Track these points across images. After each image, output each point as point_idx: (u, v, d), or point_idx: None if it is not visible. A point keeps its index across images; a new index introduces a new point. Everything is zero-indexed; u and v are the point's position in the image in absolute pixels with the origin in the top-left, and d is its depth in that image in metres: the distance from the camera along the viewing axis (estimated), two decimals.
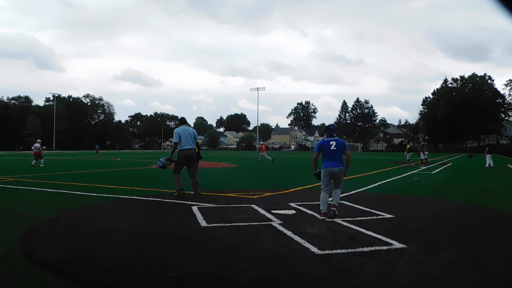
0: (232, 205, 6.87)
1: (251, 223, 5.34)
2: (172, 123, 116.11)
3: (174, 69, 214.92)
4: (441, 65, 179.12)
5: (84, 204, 7.18)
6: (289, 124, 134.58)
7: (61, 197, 8.31)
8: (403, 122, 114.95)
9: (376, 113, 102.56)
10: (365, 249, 4.05)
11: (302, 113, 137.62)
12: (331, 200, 6.07)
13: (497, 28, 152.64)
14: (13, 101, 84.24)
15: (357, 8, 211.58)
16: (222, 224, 5.28)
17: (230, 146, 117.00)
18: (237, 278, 3.24)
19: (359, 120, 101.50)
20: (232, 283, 3.18)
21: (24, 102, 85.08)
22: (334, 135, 6.15)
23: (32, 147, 20.27)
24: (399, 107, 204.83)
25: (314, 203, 7.09)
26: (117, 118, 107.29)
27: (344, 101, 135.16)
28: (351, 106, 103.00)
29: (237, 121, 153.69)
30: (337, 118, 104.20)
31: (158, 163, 8.16)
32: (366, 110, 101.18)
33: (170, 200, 7.47)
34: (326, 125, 6.46)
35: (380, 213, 6.16)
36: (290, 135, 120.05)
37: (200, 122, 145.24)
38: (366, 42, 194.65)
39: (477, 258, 3.80)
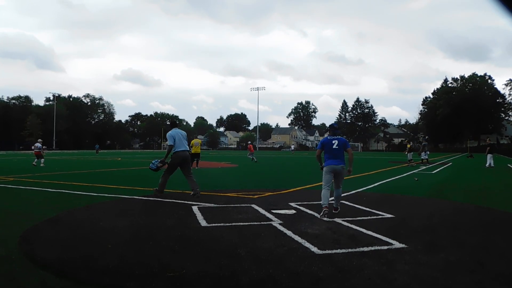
0: (232, 205, 6.87)
1: (251, 223, 5.34)
2: None
3: (174, 69, 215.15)
4: (441, 65, 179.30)
5: (84, 204, 7.18)
6: (289, 124, 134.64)
7: (61, 197, 8.31)
8: (403, 122, 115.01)
9: (376, 113, 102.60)
10: (365, 249, 4.05)
11: (302, 113, 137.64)
12: (332, 200, 6.11)
13: (497, 28, 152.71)
14: (13, 101, 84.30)
15: (357, 8, 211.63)
16: (222, 224, 5.28)
17: (230, 146, 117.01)
18: (237, 278, 3.24)
19: (359, 120, 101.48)
20: (232, 283, 3.18)
21: (24, 102, 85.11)
22: (337, 133, 6.34)
23: (33, 147, 20.31)
24: (399, 107, 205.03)
25: (314, 203, 7.10)
26: (117, 118, 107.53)
27: (344, 101, 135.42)
28: (351, 106, 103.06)
29: (237, 121, 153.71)
30: (337, 118, 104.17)
31: (151, 165, 8.11)
32: (366, 110, 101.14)
33: (170, 200, 7.48)
34: (329, 124, 6.67)
35: (380, 213, 6.16)
36: (290, 135, 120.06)
37: (200, 122, 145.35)
38: (366, 42, 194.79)
39: (477, 258, 3.80)
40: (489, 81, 78.05)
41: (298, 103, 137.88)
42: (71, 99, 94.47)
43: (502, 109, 77.39)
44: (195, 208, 6.45)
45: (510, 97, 74.89)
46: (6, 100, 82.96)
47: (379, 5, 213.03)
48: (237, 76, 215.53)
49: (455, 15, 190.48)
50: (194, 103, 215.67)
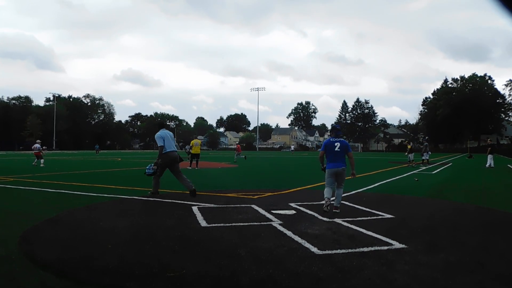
0: (232, 205, 6.87)
1: (251, 223, 5.34)
2: (172, 123, 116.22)
3: (174, 69, 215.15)
4: (441, 66, 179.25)
5: (84, 204, 7.18)
6: (289, 124, 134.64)
7: (61, 197, 8.31)
8: (403, 122, 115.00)
9: (376, 113, 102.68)
10: (365, 249, 4.05)
11: (302, 113, 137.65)
12: (334, 199, 6.20)
13: (497, 29, 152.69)
14: (13, 101, 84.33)
15: (357, 9, 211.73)
16: (222, 224, 5.28)
17: (230, 146, 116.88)
18: (237, 278, 3.24)
19: (359, 120, 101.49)
20: (232, 283, 3.18)
21: (24, 102, 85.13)
22: (340, 134, 6.54)
23: (32, 147, 20.39)
24: (399, 107, 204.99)
25: (314, 203, 7.11)
26: (117, 118, 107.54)
27: (344, 101, 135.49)
28: (351, 106, 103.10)
29: (237, 121, 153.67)
30: (337, 118, 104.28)
31: (147, 171, 8.07)
32: (366, 110, 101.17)
33: (170, 200, 7.48)
34: (330, 124, 6.86)
35: (380, 213, 6.16)
36: (290, 135, 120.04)
37: (200, 122, 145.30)
38: (366, 42, 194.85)
39: (477, 259, 3.80)
40: (489, 81, 78.10)
41: (298, 104, 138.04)
42: (71, 99, 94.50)
43: (502, 109, 77.44)
44: (195, 209, 6.45)
45: (510, 98, 74.98)
46: (6, 101, 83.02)
47: (379, 5, 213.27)
48: (237, 77, 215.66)
49: (455, 15, 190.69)
50: (194, 103, 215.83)
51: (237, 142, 45.20)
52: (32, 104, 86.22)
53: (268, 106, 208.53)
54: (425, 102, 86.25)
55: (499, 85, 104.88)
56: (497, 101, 76.52)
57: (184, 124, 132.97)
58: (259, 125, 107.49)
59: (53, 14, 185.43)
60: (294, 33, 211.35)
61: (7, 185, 10.24)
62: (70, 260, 3.69)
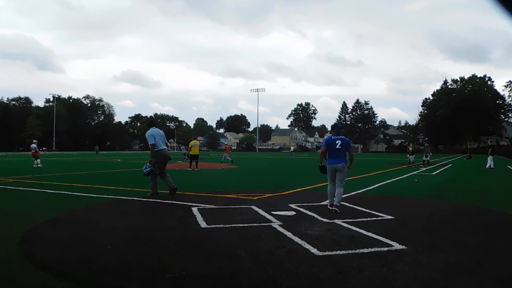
0: (232, 206, 6.87)
1: (251, 224, 5.34)
2: (172, 124, 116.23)
3: (174, 70, 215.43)
4: (440, 66, 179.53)
5: (84, 205, 7.17)
6: (289, 125, 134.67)
7: (61, 198, 8.30)
8: (403, 123, 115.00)
9: (376, 114, 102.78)
10: (365, 250, 4.04)
11: (302, 114, 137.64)
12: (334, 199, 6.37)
13: (496, 29, 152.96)
14: (13, 102, 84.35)
15: (356, 9, 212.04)
16: (222, 225, 5.27)
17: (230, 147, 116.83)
18: (237, 279, 3.24)
19: (359, 121, 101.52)
20: (232, 284, 3.17)
21: (24, 103, 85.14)
22: (341, 132, 6.71)
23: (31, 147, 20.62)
24: (399, 108, 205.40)
25: (314, 204, 7.11)
26: (117, 119, 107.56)
27: (344, 102, 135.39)
28: (351, 107, 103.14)
29: (237, 122, 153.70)
30: (337, 119, 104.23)
31: (145, 171, 8.11)
32: (366, 111, 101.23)
33: (170, 201, 7.47)
34: (331, 124, 7.02)
35: (380, 214, 6.16)
36: (290, 136, 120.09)
37: (200, 123, 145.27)
38: (365, 43, 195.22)
39: (477, 259, 3.80)
40: (489, 82, 78.21)
41: (298, 105, 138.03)
42: (71, 100, 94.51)
43: (502, 110, 77.53)
44: (195, 209, 6.45)
45: (510, 99, 75.05)
46: (6, 101, 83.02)
47: (378, 6, 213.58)
48: (236, 77, 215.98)
49: (455, 16, 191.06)
50: (193, 104, 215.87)
51: (225, 143, 45.36)
52: (32, 105, 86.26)
53: (268, 107, 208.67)
54: (425, 103, 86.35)
55: (499, 86, 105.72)
56: (497, 102, 76.60)
57: (184, 125, 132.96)
58: (259, 126, 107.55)
59: (53, 15, 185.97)
60: (294, 34, 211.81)
61: (7, 186, 10.23)
62: (70, 260, 3.68)
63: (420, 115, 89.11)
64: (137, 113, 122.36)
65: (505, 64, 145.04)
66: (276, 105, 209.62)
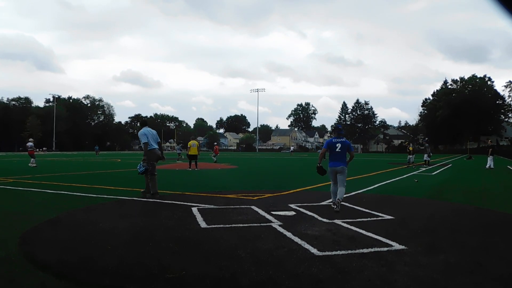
0: (232, 206, 6.87)
1: (251, 225, 5.34)
2: (172, 124, 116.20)
3: (174, 70, 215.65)
4: (440, 67, 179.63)
5: (84, 205, 7.17)
6: (289, 126, 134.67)
7: (61, 198, 8.30)
8: (403, 124, 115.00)
9: (376, 114, 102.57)
10: (365, 250, 4.04)
11: (302, 115, 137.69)
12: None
13: (496, 30, 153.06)
14: (13, 102, 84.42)
15: (356, 10, 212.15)
16: (222, 226, 5.27)
17: (230, 147, 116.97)
18: (237, 280, 3.24)
19: (359, 121, 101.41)
20: (232, 284, 3.17)
21: (24, 103, 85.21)
22: (342, 134, 6.88)
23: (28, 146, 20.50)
24: (398, 109, 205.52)
25: (314, 204, 7.11)
26: (117, 119, 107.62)
27: (344, 102, 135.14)
28: (351, 108, 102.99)
29: (237, 122, 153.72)
30: (337, 119, 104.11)
31: (139, 170, 8.10)
32: (366, 112, 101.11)
33: (170, 201, 7.47)
34: (332, 125, 7.19)
35: (380, 214, 6.16)
36: (290, 137, 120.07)
37: (200, 123, 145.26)
38: (365, 43, 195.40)
39: (477, 259, 3.80)
40: (489, 82, 78.18)
41: (298, 105, 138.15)
42: (71, 100, 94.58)
43: (502, 110, 77.50)
44: (194, 210, 6.45)
45: (510, 99, 75.05)
46: (6, 102, 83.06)
47: (378, 6, 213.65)
48: (236, 78, 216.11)
49: (454, 16, 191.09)
50: (193, 104, 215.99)
51: (215, 144, 45.42)
52: (32, 105, 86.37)
53: (267, 107, 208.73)
54: (425, 103, 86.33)
55: (499, 86, 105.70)
56: (497, 102, 76.58)
57: (184, 125, 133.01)
58: (259, 126, 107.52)
59: (53, 15, 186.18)
60: (294, 34, 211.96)
61: (6, 186, 10.23)
62: (70, 261, 3.68)
63: (420, 115, 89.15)
64: (137, 113, 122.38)
65: (505, 64, 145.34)
66: (276, 105, 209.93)
